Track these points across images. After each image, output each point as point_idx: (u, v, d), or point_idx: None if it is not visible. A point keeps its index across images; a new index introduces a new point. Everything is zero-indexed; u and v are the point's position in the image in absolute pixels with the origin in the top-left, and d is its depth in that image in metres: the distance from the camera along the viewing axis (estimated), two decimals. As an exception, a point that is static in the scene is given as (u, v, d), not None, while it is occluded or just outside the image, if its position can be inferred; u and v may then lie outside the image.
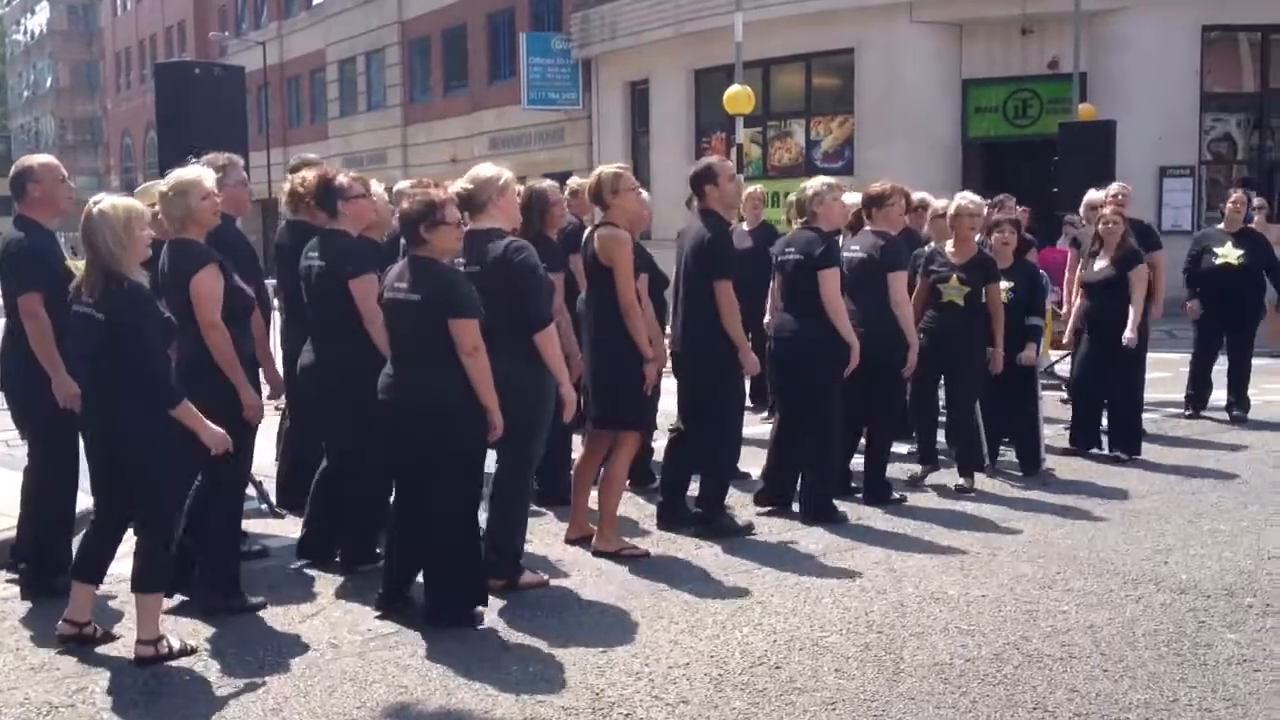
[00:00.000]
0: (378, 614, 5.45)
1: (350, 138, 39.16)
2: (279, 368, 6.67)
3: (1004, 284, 8.21)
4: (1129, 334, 8.68)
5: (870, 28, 21.54)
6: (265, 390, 5.99)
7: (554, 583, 5.98)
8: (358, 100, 39.40)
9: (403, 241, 5.61)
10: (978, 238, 8.16)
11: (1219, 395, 10.50)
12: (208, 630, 5.30)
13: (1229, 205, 10.76)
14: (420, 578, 5.46)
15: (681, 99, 24.99)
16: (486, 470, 5.54)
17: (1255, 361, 10.65)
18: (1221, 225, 10.77)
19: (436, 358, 5.17)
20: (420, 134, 35.35)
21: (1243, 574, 6.01)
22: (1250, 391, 10.58)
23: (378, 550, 6.01)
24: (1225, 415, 10.34)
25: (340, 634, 5.29)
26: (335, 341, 5.92)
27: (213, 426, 4.93)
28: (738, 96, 18.78)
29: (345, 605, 5.66)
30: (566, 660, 4.96)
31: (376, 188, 6.50)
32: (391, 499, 5.61)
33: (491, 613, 5.48)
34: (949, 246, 8.03)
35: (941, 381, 8.21)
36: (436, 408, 5.19)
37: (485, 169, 5.84)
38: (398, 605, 5.44)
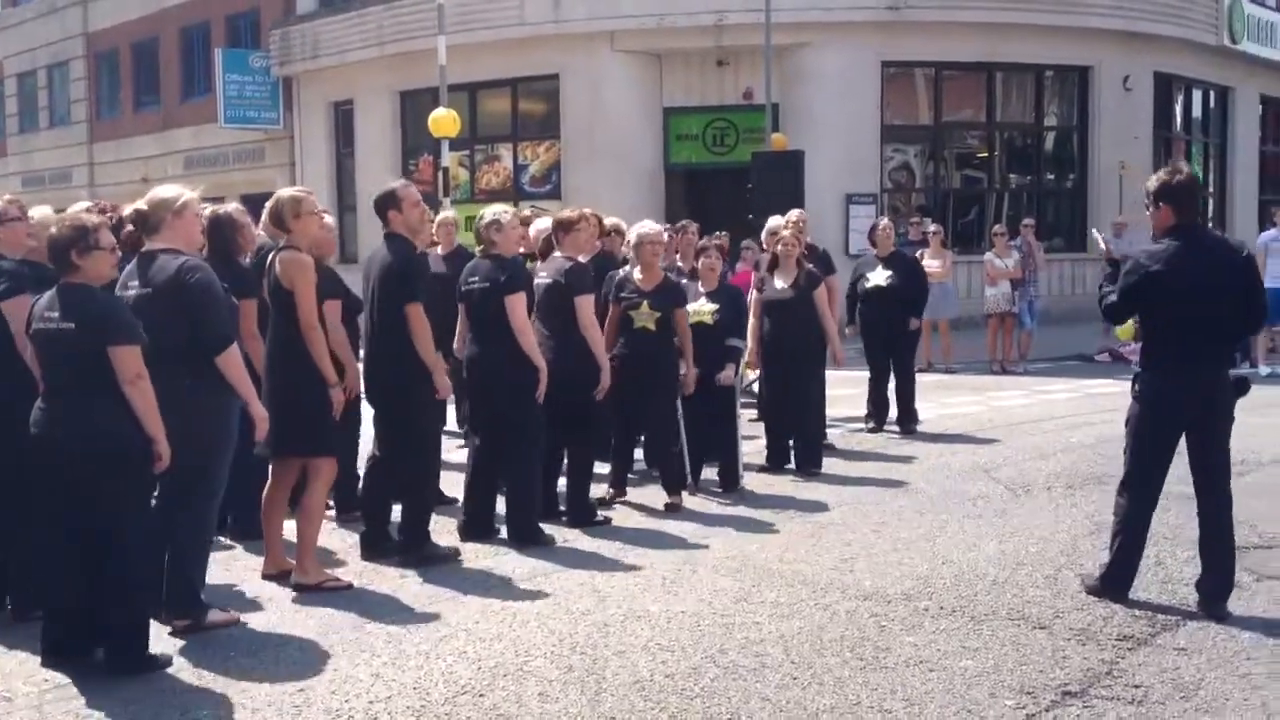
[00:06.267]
0: (46, 664, 5.11)
1: (31, 155, 36.73)
2: None
3: (709, 306, 8.50)
4: (838, 350, 9.65)
5: (573, 55, 21.84)
6: None
7: (249, 620, 5.77)
8: (39, 116, 37.02)
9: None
10: (662, 263, 8.42)
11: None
12: None
13: (878, 232, 11.47)
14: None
15: (387, 120, 24.66)
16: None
17: (927, 377, 11.33)
18: (875, 251, 11.45)
19: (93, 388, 4.93)
20: (108, 152, 33.53)
21: (920, 579, 6.39)
22: (923, 405, 11.28)
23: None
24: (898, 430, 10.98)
25: (14, 685, 4.95)
26: None
27: None
28: (443, 120, 18.67)
29: (18, 655, 5.28)
30: (261, 701, 4.78)
31: (38, 211, 6.16)
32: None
33: (179, 655, 5.23)
34: (637, 273, 8.20)
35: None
36: (94, 441, 4.93)
37: (165, 189, 5.66)
38: (69, 653, 5.11)
